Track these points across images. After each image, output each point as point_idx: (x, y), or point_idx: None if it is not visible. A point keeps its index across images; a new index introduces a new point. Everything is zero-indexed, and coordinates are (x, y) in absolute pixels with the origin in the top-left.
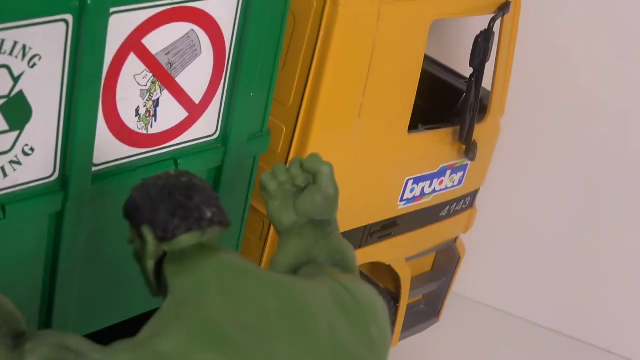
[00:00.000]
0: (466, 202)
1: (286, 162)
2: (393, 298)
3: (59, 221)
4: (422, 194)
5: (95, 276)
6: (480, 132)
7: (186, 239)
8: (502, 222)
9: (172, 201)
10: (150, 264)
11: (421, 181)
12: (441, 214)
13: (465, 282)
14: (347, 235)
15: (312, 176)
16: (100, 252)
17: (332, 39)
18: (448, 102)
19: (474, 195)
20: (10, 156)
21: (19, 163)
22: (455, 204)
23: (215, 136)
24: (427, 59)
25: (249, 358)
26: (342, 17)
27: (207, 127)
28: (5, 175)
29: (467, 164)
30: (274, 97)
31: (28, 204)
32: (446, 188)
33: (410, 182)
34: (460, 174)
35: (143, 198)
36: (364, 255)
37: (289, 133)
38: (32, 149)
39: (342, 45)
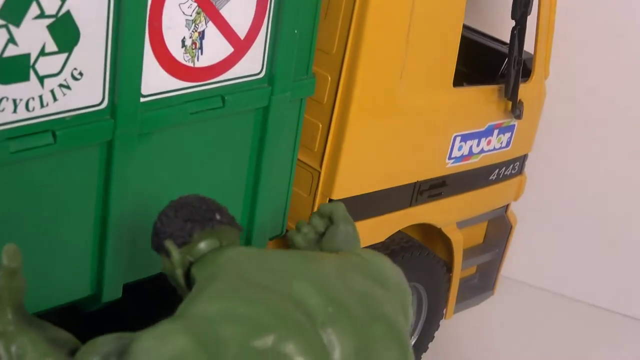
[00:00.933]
0: (515, 167)
1: (332, 113)
2: (446, 267)
3: (109, 152)
4: (470, 153)
5: (147, 220)
6: (525, 92)
7: (205, 245)
8: (551, 197)
9: (184, 211)
10: (179, 272)
11: (469, 139)
12: (490, 178)
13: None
14: (397, 192)
15: (328, 219)
16: (150, 194)
17: None
18: (491, 67)
19: (522, 161)
20: (59, 79)
21: (68, 87)
22: (504, 168)
23: (261, 75)
24: (467, 27)
25: (276, 295)
26: None
27: (252, 64)
28: (55, 99)
29: (514, 125)
30: (318, 47)
31: (78, 131)
32: (494, 149)
33: (458, 139)
34: (507, 135)
35: (161, 221)
36: (414, 215)
37: (334, 82)
38: (80, 74)
39: None
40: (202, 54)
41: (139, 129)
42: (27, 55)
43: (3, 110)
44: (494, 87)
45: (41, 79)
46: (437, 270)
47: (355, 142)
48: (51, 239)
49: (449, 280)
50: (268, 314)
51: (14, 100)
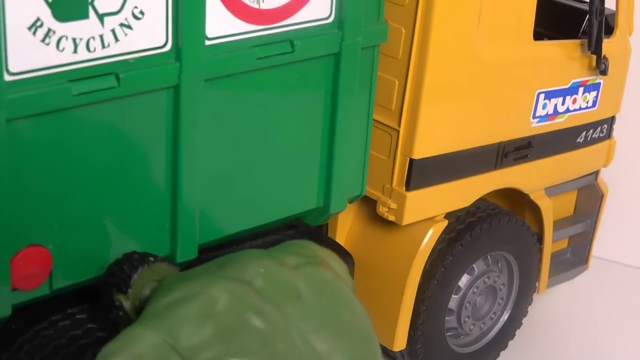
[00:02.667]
0: (603, 130)
1: (408, 67)
2: (537, 238)
3: (176, 98)
4: (556, 112)
5: (219, 174)
6: (609, 48)
7: (145, 286)
8: None
9: (119, 263)
10: (129, 305)
11: (553, 97)
12: (578, 140)
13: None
14: (480, 153)
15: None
16: (221, 147)
17: None
18: (572, 26)
19: (610, 123)
20: (120, 18)
21: (129, 27)
22: (591, 130)
23: (331, 19)
24: None
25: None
26: None
27: (321, 8)
28: (116, 39)
29: (600, 83)
30: None
31: (142, 74)
32: (580, 109)
33: (542, 96)
34: (593, 94)
35: (106, 280)
36: (500, 180)
37: (409, 35)
38: (142, 13)
39: None
40: None
41: (205, 73)
42: None
43: (63, 50)
44: (577, 41)
45: (101, 17)
46: (526, 238)
47: (433, 97)
48: (123, 190)
49: (540, 251)
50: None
51: (74, 40)
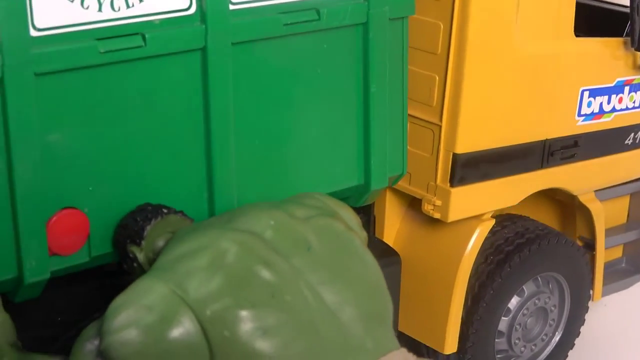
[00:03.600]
0: None
1: (447, 63)
2: (588, 246)
3: (204, 61)
4: (602, 111)
5: (253, 144)
6: None
7: (159, 237)
8: None
9: (132, 215)
10: (142, 257)
11: (598, 95)
12: (627, 142)
13: None
14: (525, 150)
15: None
16: (253, 115)
17: None
18: (615, 30)
19: None
20: None
21: None
22: None
23: None
24: None
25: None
26: None
27: None
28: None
29: None
30: None
31: (168, 34)
32: (627, 108)
33: (586, 94)
34: None
35: (118, 231)
36: (547, 179)
37: (447, 29)
38: None
39: None
40: None
41: (232, 37)
42: None
43: (88, 7)
44: (620, 39)
45: None
46: (577, 259)
47: (474, 92)
48: (156, 156)
49: (593, 259)
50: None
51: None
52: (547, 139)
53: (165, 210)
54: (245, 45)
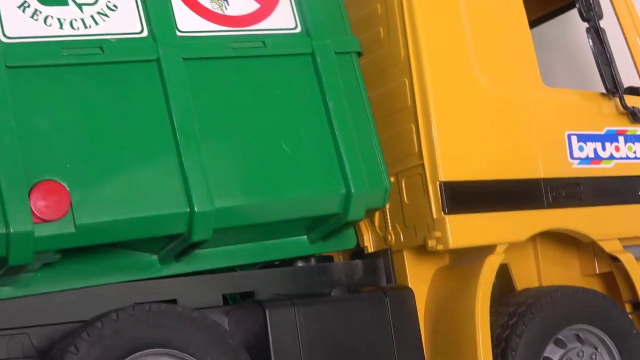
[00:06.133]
0: None
1: (415, 113)
2: (633, 305)
3: (160, 71)
4: (598, 156)
5: (222, 145)
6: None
7: None
8: None
9: None
10: None
11: (589, 140)
12: None
13: None
14: (520, 185)
15: None
16: (218, 123)
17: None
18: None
19: None
20: (96, 8)
21: (106, 15)
22: None
23: (298, 29)
24: None
25: None
26: None
27: (285, 19)
28: (96, 23)
29: None
30: (387, 60)
31: (124, 46)
32: (627, 157)
33: (574, 138)
34: (638, 145)
35: None
36: (556, 219)
37: (411, 84)
38: (115, 6)
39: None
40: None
41: (182, 52)
42: None
43: (50, 25)
44: (596, 92)
45: (79, 6)
46: (607, 308)
47: (446, 129)
48: (123, 148)
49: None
50: None
51: (59, 19)
52: (543, 178)
53: None
54: (198, 62)
